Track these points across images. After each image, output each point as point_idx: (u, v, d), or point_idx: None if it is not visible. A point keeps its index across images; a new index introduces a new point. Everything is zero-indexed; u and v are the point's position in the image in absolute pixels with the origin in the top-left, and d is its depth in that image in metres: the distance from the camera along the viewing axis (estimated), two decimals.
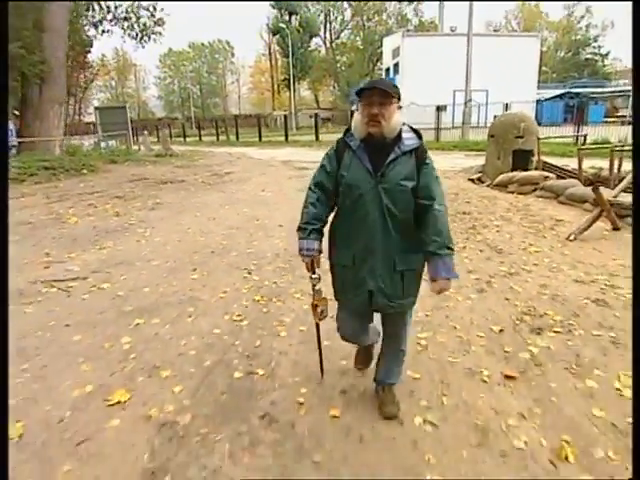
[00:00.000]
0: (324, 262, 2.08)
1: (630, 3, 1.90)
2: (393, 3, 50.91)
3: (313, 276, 1.99)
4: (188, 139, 33.60)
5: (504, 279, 3.84)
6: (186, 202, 7.98)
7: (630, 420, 1.99)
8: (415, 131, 1.86)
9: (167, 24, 20.70)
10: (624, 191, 5.30)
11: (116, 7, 19.57)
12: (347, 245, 1.90)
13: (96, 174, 11.82)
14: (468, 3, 17.83)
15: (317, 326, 2.24)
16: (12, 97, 14.05)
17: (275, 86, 54.91)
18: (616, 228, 5.10)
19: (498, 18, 64.10)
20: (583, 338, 2.81)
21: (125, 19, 19.89)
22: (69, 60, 19.00)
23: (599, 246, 4.64)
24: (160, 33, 20.66)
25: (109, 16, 19.74)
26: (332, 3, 50.56)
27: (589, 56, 54.30)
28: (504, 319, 3.10)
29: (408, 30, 40.37)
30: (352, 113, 2.99)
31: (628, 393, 2.24)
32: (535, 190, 7.47)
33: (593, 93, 35.60)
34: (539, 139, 8.43)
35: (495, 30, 44.19)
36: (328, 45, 53.17)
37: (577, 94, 31.70)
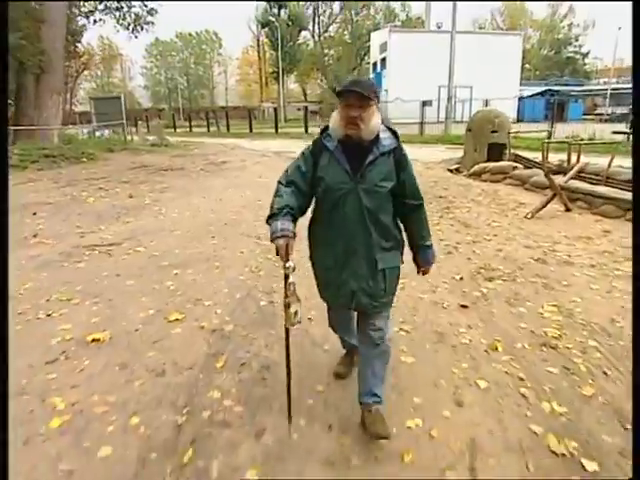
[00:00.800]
0: (305, 260, 2.07)
1: (630, 3, 1.94)
2: None
3: (287, 265, 1.73)
4: (178, 130, 33.93)
5: (468, 245, 4.72)
6: (191, 186, 8.72)
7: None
8: (392, 130, 1.86)
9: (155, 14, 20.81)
10: (573, 178, 6.24)
11: None
12: (328, 247, 1.89)
13: (96, 162, 12.39)
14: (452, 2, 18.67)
15: (287, 332, 1.88)
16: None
17: (263, 79, 55.23)
18: (568, 209, 6.03)
19: (484, 15, 65.20)
20: (522, 283, 3.69)
21: (117, 9, 20.16)
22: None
23: (550, 223, 5.57)
24: (152, 23, 20.94)
25: (101, 6, 20.00)
26: None
27: (570, 55, 55.87)
28: (465, 272, 3.98)
29: (395, 26, 41.26)
30: None
31: (548, 315, 3.12)
32: (505, 179, 8.41)
33: (573, 91, 37.05)
34: (509, 133, 9.38)
35: (480, 27, 45.40)
36: (316, 39, 53.62)
37: (558, 92, 33.00)
